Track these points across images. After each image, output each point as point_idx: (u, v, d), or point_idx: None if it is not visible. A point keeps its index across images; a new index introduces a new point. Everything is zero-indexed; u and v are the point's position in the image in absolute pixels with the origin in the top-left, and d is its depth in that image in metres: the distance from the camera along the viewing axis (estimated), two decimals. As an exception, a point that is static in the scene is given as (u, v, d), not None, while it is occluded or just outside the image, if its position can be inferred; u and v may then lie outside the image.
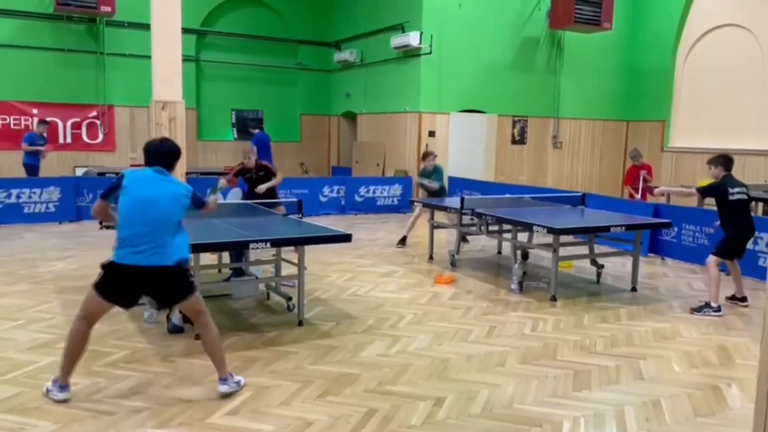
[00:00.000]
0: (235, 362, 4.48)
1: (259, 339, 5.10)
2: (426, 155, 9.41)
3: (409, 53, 13.50)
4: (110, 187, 3.87)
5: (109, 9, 12.95)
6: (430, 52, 13.08)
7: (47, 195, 10.67)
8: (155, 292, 3.92)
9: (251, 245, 5.08)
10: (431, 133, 13.40)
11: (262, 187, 7.27)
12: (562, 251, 6.86)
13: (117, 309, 5.66)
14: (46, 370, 4.28)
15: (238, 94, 16.01)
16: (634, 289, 7.00)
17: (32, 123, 13.35)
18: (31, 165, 11.40)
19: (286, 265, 6.27)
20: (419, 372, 4.47)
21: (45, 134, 11.88)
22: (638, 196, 10.52)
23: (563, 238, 6.83)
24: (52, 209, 10.69)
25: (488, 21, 13.72)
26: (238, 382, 4.03)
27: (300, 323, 5.45)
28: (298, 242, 5.41)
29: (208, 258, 6.63)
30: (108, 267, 3.77)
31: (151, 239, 3.70)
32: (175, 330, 5.11)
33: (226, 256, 6.90)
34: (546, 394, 4.13)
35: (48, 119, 12.93)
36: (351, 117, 16.46)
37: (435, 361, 4.70)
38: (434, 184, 9.25)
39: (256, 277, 6.62)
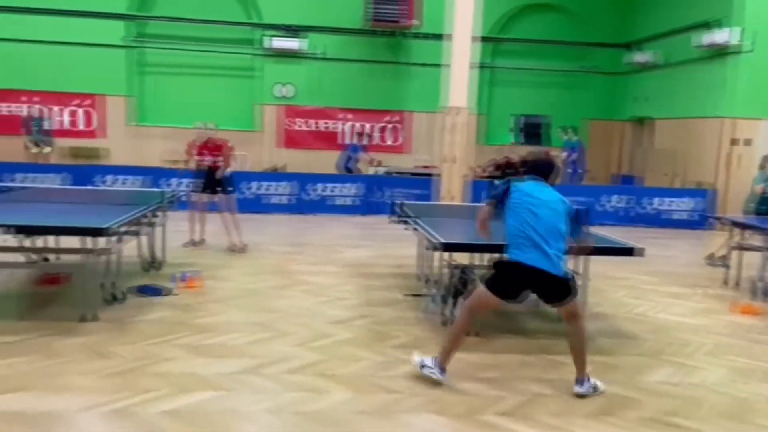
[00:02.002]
0: (505, 364, 4.55)
1: (531, 345, 5.07)
2: None
3: (718, 52, 12.03)
4: (499, 193, 4.22)
5: (416, 22, 14.13)
6: (752, 50, 11.46)
7: (351, 190, 12.09)
8: (540, 290, 4.09)
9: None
10: (735, 141, 11.76)
11: None
12: None
13: (398, 297, 6.26)
14: (345, 344, 4.87)
15: (525, 99, 16.09)
16: None
17: (347, 129, 15.28)
18: (349, 167, 13.10)
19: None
20: (713, 409, 3.98)
21: (365, 148, 13.62)
22: None
23: None
24: (354, 203, 12.08)
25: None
26: (595, 387, 4.07)
27: (576, 335, 5.27)
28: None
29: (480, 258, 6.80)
30: (501, 265, 4.12)
31: (549, 244, 3.91)
32: (451, 323, 5.35)
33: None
34: None
35: (357, 124, 14.73)
36: (641, 122, 15.33)
37: (733, 399, 4.14)
38: None
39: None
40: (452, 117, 10.49)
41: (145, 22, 14.81)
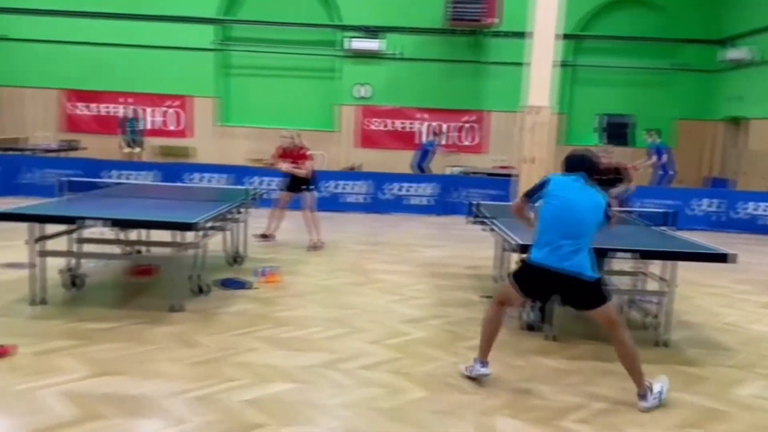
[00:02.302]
0: (584, 370, 4.43)
1: (612, 352, 4.83)
2: None
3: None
4: (535, 188, 4.16)
5: (495, 20, 13.96)
6: None
7: (426, 190, 12.09)
8: (566, 295, 4.00)
9: (615, 254, 4.92)
10: None
11: (613, 191, 6.97)
12: None
13: (473, 298, 6.21)
14: (419, 342, 4.88)
15: (609, 98, 15.55)
16: None
17: (423, 128, 15.28)
18: (421, 166, 13.05)
19: (644, 279, 5.90)
20: (812, 428, 3.73)
21: (439, 143, 13.56)
22: None
23: None
24: (428, 203, 12.07)
25: None
26: (658, 395, 3.86)
27: (663, 344, 5.06)
28: (670, 256, 5.02)
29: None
30: (525, 264, 4.06)
31: (569, 244, 3.83)
32: (529, 327, 5.27)
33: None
34: None
35: (436, 125, 14.72)
36: (735, 122, 14.48)
37: (836, 420, 3.86)
38: None
39: (614, 288, 6.36)
40: (532, 116, 10.30)
41: (230, 25, 15.37)
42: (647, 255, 5.07)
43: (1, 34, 14.96)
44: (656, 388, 3.89)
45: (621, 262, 5.89)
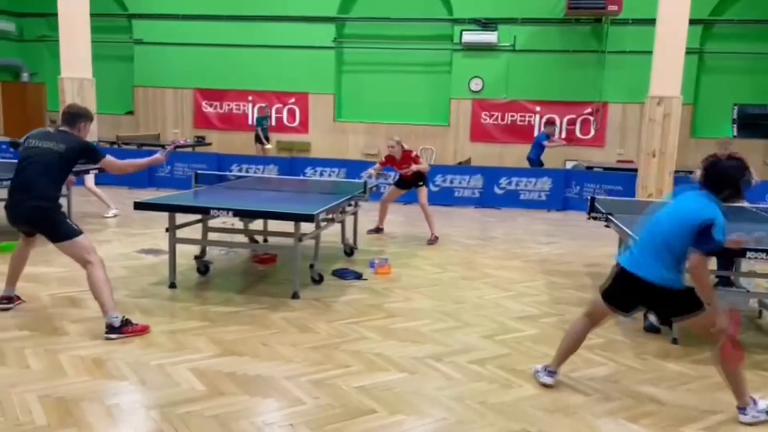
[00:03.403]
0: (710, 377, 4.13)
1: (746, 358, 4.55)
2: None
3: None
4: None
5: (616, 8, 13.32)
6: None
7: (540, 184, 11.78)
8: (654, 305, 3.79)
9: (748, 254, 4.57)
10: None
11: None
12: None
13: (589, 297, 5.95)
14: (530, 339, 4.80)
15: (742, 87, 14.34)
16: None
17: (538, 121, 14.88)
18: (534, 159, 12.67)
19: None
20: None
21: (552, 134, 13.12)
22: None
23: None
24: (543, 197, 11.75)
25: None
26: (763, 413, 3.54)
27: (801, 354, 4.65)
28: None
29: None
30: (616, 269, 3.85)
31: (654, 254, 3.61)
32: (651, 329, 5.02)
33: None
34: None
35: (548, 116, 14.27)
36: None
37: None
38: None
39: (747, 291, 5.91)
40: (659, 107, 9.77)
41: (344, 23, 15.73)
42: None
43: (138, 38, 16.30)
44: (762, 405, 3.56)
45: (757, 263, 5.46)
